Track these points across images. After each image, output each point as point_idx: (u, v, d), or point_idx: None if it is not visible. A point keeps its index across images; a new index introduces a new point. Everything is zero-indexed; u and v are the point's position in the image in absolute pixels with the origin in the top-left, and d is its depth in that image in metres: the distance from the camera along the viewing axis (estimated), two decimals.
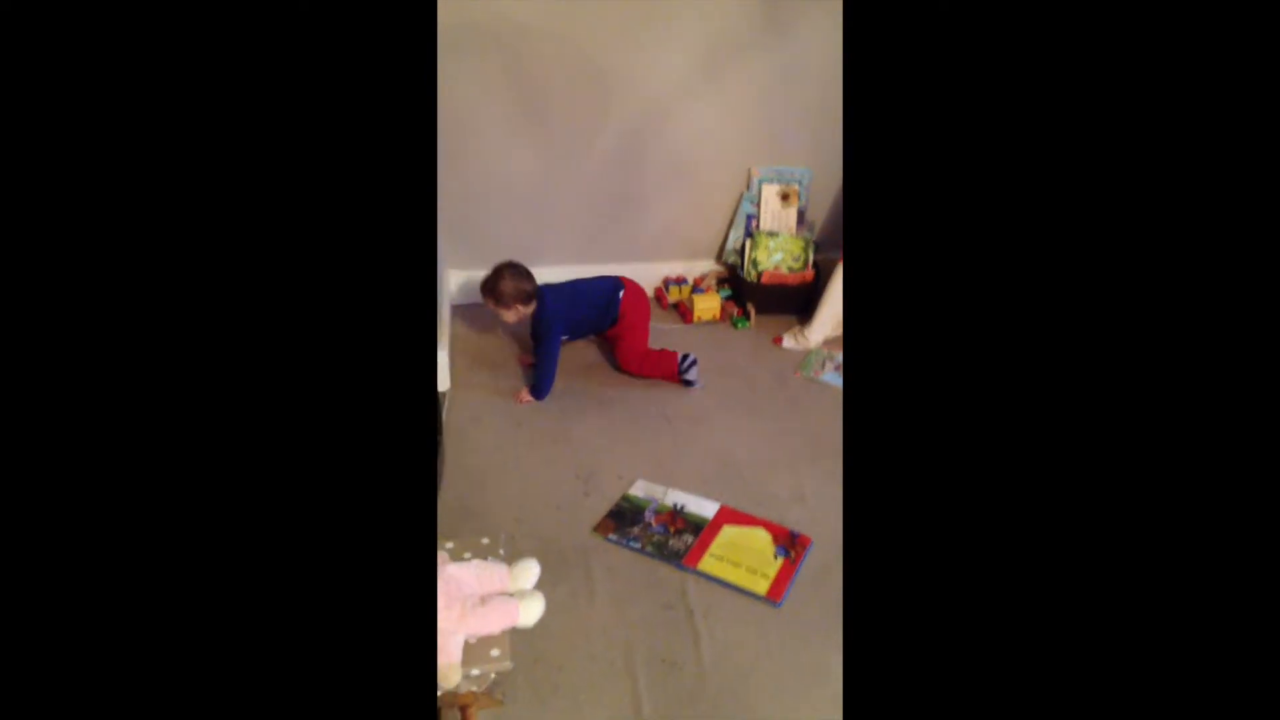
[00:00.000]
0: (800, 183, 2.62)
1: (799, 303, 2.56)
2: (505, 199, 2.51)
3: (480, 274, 2.60)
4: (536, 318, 2.16)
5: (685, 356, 2.15)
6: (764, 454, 1.92)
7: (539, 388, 2.11)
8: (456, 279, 2.62)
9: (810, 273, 2.58)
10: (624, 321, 2.19)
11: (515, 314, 2.14)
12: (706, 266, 2.76)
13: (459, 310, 2.60)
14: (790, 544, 1.62)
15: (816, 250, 2.63)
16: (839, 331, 2.48)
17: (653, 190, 2.59)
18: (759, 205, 2.62)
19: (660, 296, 2.68)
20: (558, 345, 2.13)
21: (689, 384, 2.16)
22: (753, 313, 2.56)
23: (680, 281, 2.67)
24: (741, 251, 2.64)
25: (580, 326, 2.23)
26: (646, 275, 2.70)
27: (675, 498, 1.75)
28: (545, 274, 2.64)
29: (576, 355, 2.36)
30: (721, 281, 2.71)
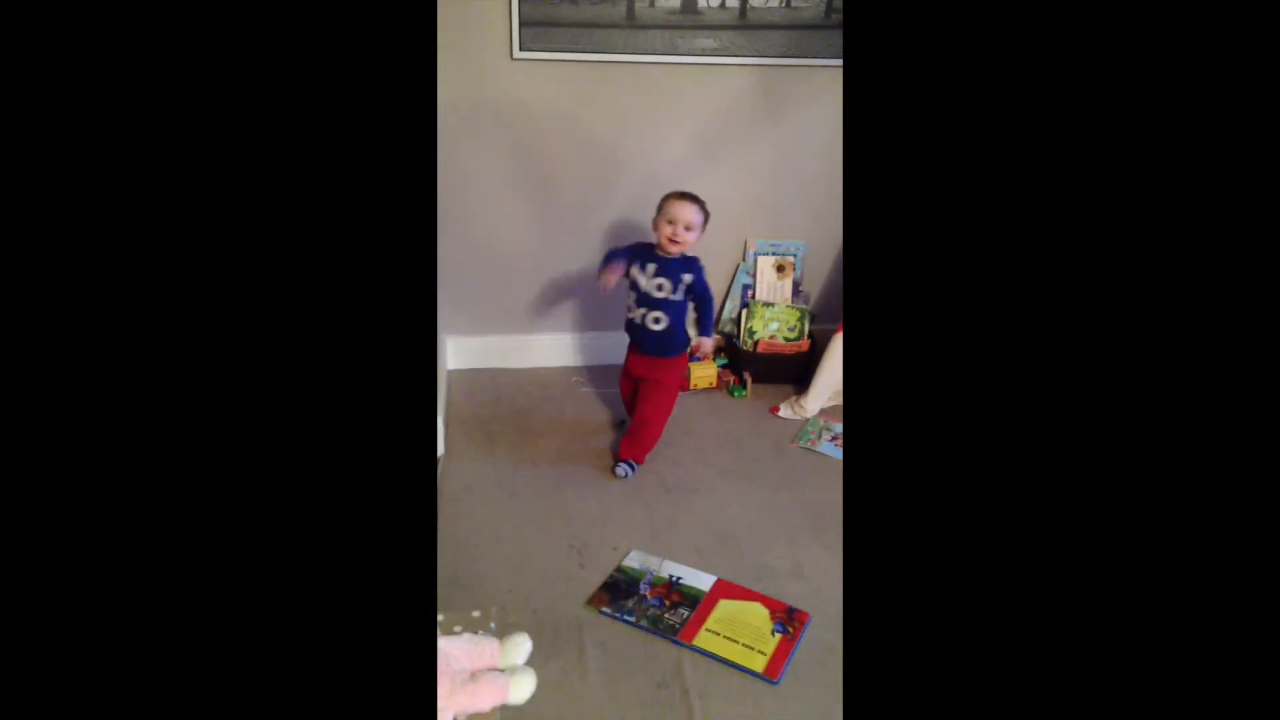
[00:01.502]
0: (795, 255, 2.67)
1: (795, 372, 2.58)
2: (508, 268, 2.55)
3: (479, 340, 2.63)
4: (699, 272, 2.07)
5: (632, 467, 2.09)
6: (761, 525, 1.90)
7: (710, 326, 2.15)
8: (455, 345, 2.63)
9: (806, 343, 2.60)
10: (668, 362, 2.12)
11: (697, 236, 2.02)
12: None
13: (455, 376, 2.60)
14: (788, 620, 1.59)
15: (813, 321, 2.65)
16: (836, 401, 2.48)
17: None
18: (755, 276, 2.66)
19: None
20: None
21: (620, 469, 2.08)
22: (749, 381, 2.57)
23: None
24: (738, 321, 2.67)
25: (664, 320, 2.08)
26: None
27: (671, 569, 1.72)
28: (544, 340, 2.67)
29: (575, 422, 2.35)
30: (718, 350, 2.73)
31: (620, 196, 2.49)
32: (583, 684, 1.42)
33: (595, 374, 2.65)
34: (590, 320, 2.68)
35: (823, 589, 1.69)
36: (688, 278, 2.05)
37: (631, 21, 2.25)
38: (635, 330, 2.13)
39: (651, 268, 2.04)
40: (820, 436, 2.31)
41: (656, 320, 2.07)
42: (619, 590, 1.65)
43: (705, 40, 2.30)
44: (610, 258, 2.08)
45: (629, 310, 2.12)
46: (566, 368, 2.69)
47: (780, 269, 2.67)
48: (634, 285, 2.08)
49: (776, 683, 1.44)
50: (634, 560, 1.75)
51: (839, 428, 2.37)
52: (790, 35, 2.34)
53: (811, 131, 2.50)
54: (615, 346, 2.67)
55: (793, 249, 2.67)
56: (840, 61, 2.40)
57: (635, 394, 2.18)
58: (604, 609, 1.60)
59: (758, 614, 1.60)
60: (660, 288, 2.04)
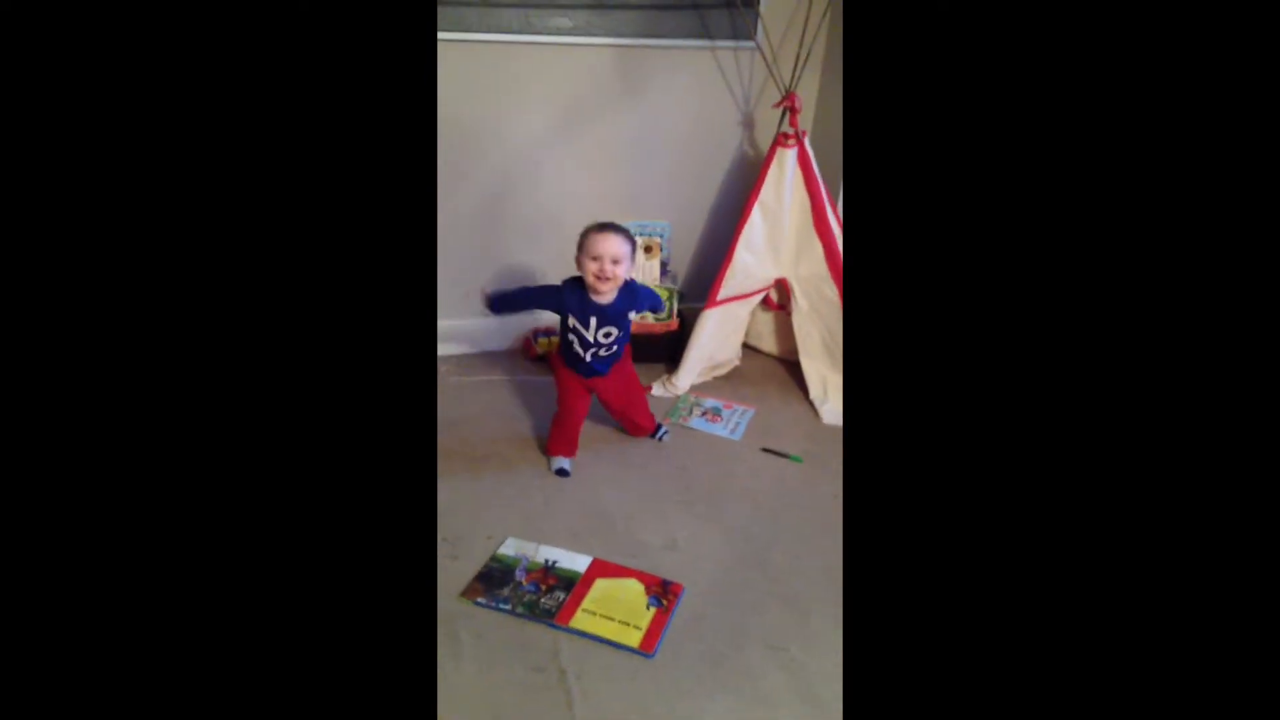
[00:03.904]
0: (661, 236, 2.70)
1: (666, 351, 2.61)
2: None
3: None
4: (642, 299, 1.98)
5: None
6: (635, 503, 1.92)
7: (499, 301, 1.97)
8: None
9: (675, 322, 2.64)
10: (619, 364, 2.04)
11: (627, 267, 1.88)
12: None
13: None
14: (663, 593, 1.62)
15: (681, 300, 2.70)
16: (706, 378, 2.54)
17: (516, 245, 2.59)
18: None
19: (528, 347, 2.67)
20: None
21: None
22: None
23: (549, 333, 2.67)
24: None
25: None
26: (515, 326, 2.68)
27: (546, 554, 1.72)
28: None
29: (442, 413, 2.29)
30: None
31: (480, 180, 2.43)
32: (457, 674, 1.40)
33: (464, 362, 2.59)
34: (454, 307, 2.61)
35: (696, 559, 1.73)
36: (634, 315, 1.94)
37: None
38: (582, 364, 1.97)
39: (594, 320, 1.89)
40: (691, 413, 2.37)
41: (607, 351, 1.96)
42: (494, 579, 1.63)
43: (562, 19, 2.28)
44: (499, 304, 1.97)
45: (571, 347, 1.95)
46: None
47: (648, 250, 2.69)
48: (574, 330, 1.92)
49: (652, 656, 1.47)
50: (509, 548, 1.73)
51: (709, 403, 2.43)
52: (646, 15, 2.34)
53: (672, 112, 2.52)
54: (481, 334, 2.63)
55: (659, 229, 2.70)
56: (695, 42, 2.43)
57: (585, 399, 2.06)
58: (479, 599, 1.58)
59: (633, 590, 1.62)
60: (609, 334, 1.91)
